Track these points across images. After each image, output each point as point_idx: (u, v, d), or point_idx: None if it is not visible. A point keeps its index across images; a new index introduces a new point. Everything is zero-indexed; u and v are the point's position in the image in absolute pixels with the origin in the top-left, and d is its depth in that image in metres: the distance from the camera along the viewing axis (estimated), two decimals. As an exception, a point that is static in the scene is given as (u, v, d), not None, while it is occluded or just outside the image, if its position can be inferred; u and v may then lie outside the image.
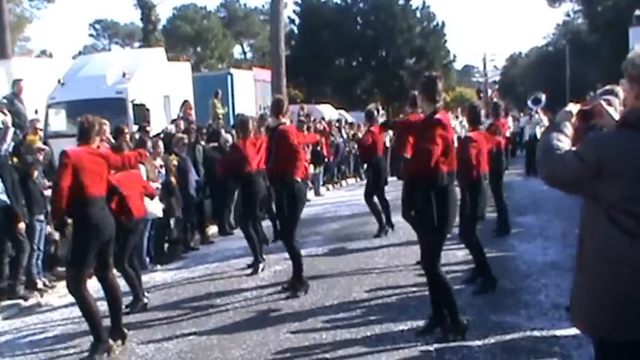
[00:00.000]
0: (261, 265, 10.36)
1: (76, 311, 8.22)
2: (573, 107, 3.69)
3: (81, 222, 6.83)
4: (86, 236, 6.79)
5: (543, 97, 23.64)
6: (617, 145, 3.25)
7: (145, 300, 8.70)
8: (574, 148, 3.37)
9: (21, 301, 9.20)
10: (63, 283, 9.56)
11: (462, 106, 29.90)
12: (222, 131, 15.34)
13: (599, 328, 3.38)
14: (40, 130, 12.85)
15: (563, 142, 3.42)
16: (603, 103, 3.66)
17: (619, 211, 3.21)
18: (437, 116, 6.62)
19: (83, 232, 6.80)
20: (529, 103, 23.88)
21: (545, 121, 23.73)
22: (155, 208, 10.74)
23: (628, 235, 3.20)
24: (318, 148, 19.42)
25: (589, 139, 3.39)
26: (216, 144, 14.33)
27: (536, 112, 23.18)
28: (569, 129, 3.52)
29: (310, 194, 20.20)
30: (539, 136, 22.80)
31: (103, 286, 7.26)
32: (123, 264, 8.35)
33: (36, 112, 17.38)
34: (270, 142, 9.06)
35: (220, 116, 20.76)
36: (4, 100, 14.80)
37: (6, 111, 14.22)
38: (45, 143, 11.99)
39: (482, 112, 9.26)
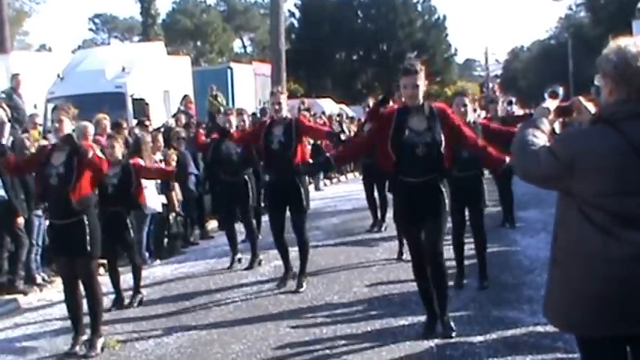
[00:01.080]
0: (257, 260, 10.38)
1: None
2: (551, 103, 3.66)
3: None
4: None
5: (561, 90, 23.56)
6: (589, 140, 3.23)
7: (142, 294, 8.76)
8: (548, 144, 3.34)
9: (20, 296, 9.16)
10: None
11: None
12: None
13: (573, 324, 3.37)
14: (40, 124, 12.79)
15: (539, 139, 3.40)
16: (582, 99, 3.62)
17: (592, 207, 3.19)
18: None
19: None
20: (545, 95, 23.81)
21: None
22: (154, 202, 10.70)
23: (601, 231, 3.17)
24: (319, 142, 19.34)
25: (561, 135, 3.42)
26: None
27: None
28: (545, 125, 3.50)
29: (310, 189, 20.18)
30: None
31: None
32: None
33: (35, 106, 17.34)
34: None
35: (220, 108, 20.71)
36: (3, 95, 14.80)
37: (4, 105, 14.19)
38: (44, 138, 11.93)
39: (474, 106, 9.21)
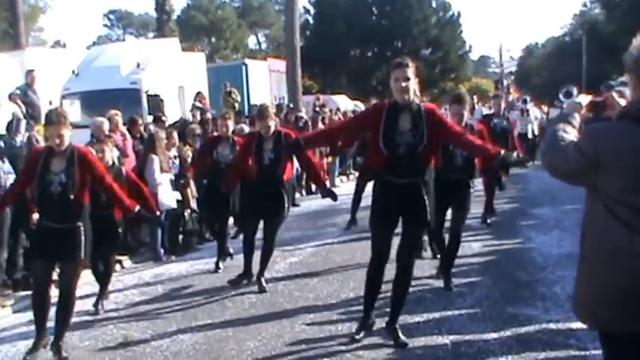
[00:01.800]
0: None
1: (89, 303, 8.28)
2: (583, 98, 3.65)
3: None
4: None
5: (575, 90, 23.52)
6: (613, 137, 3.23)
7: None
8: (575, 140, 3.34)
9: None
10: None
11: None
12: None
13: (599, 320, 3.36)
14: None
15: (569, 134, 3.40)
16: (615, 95, 3.61)
17: (617, 202, 3.20)
18: None
19: None
20: (560, 96, 23.77)
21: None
22: (168, 198, 10.75)
23: (627, 227, 3.19)
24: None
25: (587, 130, 3.39)
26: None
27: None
28: (577, 120, 3.49)
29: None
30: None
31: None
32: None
33: (50, 102, 17.42)
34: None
35: (236, 104, 20.77)
36: (18, 91, 14.86)
37: (19, 102, 14.29)
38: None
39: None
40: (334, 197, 8.21)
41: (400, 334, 6.52)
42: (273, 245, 9.08)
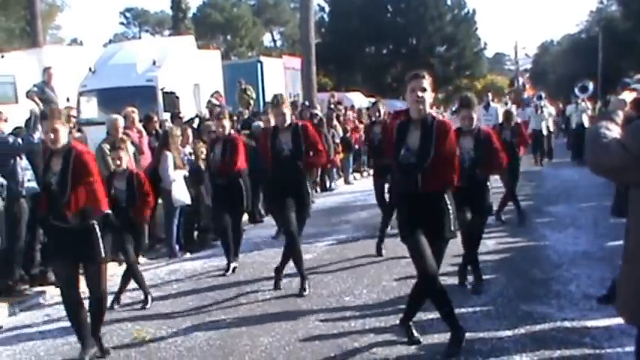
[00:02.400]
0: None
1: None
2: (628, 96, 3.63)
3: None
4: None
5: (591, 85, 23.47)
6: None
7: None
8: (619, 136, 3.33)
9: (51, 288, 9.28)
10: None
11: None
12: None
13: (638, 316, 3.36)
14: (74, 117, 12.89)
15: (612, 131, 3.38)
16: None
17: None
18: None
19: None
20: (576, 90, 23.73)
21: (590, 111, 23.60)
22: (182, 195, 10.80)
23: None
24: (348, 135, 19.38)
25: (631, 127, 3.35)
26: (247, 131, 14.31)
27: (583, 100, 23.06)
28: (620, 118, 3.48)
29: (340, 182, 20.23)
30: (586, 124, 22.73)
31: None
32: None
33: (68, 99, 17.53)
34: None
35: (251, 102, 20.79)
36: (35, 89, 14.94)
37: (37, 99, 14.38)
38: (79, 130, 12.08)
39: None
40: None
41: (414, 332, 6.51)
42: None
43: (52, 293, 9.13)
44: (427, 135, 6.01)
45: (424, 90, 6.00)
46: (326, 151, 10.30)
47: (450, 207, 6.13)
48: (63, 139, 6.34)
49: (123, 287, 8.59)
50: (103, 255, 6.41)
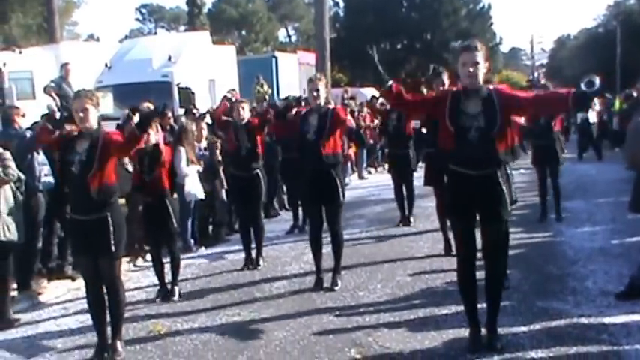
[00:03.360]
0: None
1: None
2: None
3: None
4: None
5: (597, 80, 23.27)
6: None
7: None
8: None
9: (68, 281, 9.33)
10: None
11: None
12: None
13: None
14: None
15: None
16: None
17: None
18: None
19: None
20: (582, 86, 23.53)
21: (597, 106, 23.43)
22: (195, 189, 10.82)
23: None
24: (361, 130, 19.35)
25: None
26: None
27: None
28: None
29: (354, 177, 20.22)
30: (591, 120, 22.58)
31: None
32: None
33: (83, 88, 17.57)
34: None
35: (266, 97, 20.80)
36: (52, 84, 15.03)
37: (54, 94, 14.46)
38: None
39: None
40: None
41: (498, 344, 6.05)
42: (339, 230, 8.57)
43: (70, 287, 9.20)
44: (489, 102, 5.68)
45: (476, 64, 5.70)
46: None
47: (504, 186, 5.79)
48: (93, 121, 6.29)
49: (175, 278, 8.74)
50: (114, 250, 6.31)
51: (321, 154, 8.10)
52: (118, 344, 6.53)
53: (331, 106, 8.83)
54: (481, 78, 5.76)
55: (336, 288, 8.33)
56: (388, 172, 12.49)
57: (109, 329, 6.60)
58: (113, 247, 6.29)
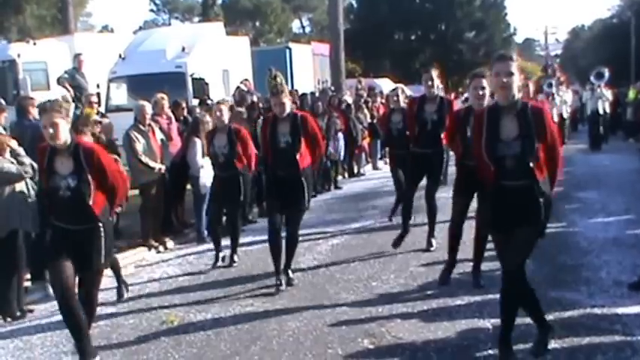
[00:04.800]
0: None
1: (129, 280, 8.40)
2: None
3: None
4: None
5: (606, 72, 23.23)
6: None
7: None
8: None
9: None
10: (125, 254, 9.75)
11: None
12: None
13: None
14: (96, 103, 12.94)
15: None
16: None
17: None
18: None
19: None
20: (592, 78, 23.49)
21: (609, 96, 23.34)
22: (209, 181, 10.84)
23: None
24: (375, 121, 19.34)
25: None
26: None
27: (599, 87, 22.80)
28: None
29: (368, 167, 20.22)
30: (601, 111, 22.53)
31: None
32: None
33: (98, 86, 17.66)
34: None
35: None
36: (66, 75, 15.08)
37: (67, 86, 14.51)
38: (104, 116, 12.17)
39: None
40: None
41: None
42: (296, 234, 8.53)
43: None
44: (524, 122, 5.32)
45: (511, 74, 5.29)
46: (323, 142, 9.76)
47: (541, 200, 5.43)
48: (64, 136, 5.76)
49: (234, 247, 9.66)
50: (103, 261, 5.90)
51: (297, 163, 8.11)
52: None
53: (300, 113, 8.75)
54: (515, 91, 5.37)
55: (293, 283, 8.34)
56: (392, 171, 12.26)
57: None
58: (102, 259, 5.86)
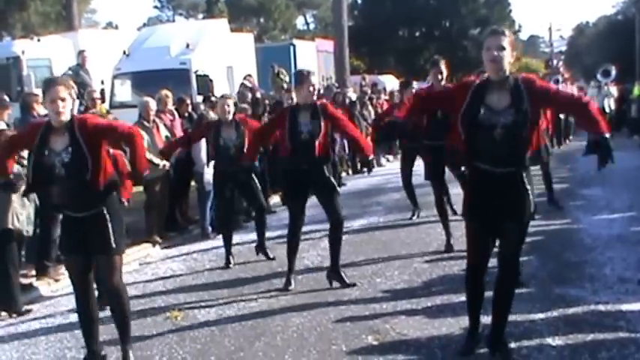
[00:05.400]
0: None
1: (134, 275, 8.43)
2: None
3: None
4: None
5: (613, 69, 23.17)
6: None
7: None
8: None
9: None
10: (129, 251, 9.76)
11: None
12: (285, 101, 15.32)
13: None
14: (99, 99, 12.91)
15: None
16: None
17: None
18: None
19: None
20: (598, 75, 23.43)
21: (615, 93, 23.29)
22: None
23: None
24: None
25: None
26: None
27: (606, 85, 22.75)
28: None
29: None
30: (607, 109, 22.44)
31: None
32: None
33: (102, 82, 17.70)
34: None
35: (284, 85, 20.80)
36: (70, 72, 15.10)
37: (72, 82, 14.51)
38: (107, 112, 12.19)
39: None
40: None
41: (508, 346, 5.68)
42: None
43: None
44: (516, 95, 5.15)
45: (502, 48, 5.15)
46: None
47: (529, 185, 5.31)
48: (67, 113, 5.51)
49: (262, 236, 9.64)
50: (114, 246, 5.64)
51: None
52: (130, 354, 5.95)
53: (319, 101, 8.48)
54: (507, 66, 5.21)
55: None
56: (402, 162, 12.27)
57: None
58: (113, 243, 5.62)
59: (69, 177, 5.45)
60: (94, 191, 5.53)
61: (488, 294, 5.76)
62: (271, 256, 9.50)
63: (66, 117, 5.47)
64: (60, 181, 5.50)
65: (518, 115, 5.11)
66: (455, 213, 10.24)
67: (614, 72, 22.92)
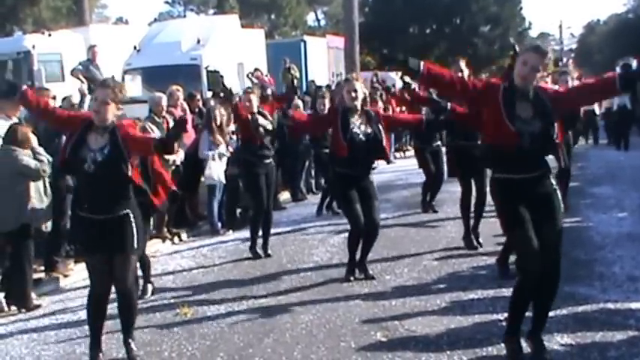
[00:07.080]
0: None
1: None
2: None
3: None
4: None
5: (634, 62, 22.78)
6: None
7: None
8: None
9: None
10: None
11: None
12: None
13: None
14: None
15: None
16: None
17: None
18: None
19: None
20: (617, 68, 23.09)
21: None
22: (215, 173, 10.90)
23: None
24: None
25: None
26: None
27: None
28: None
29: (381, 161, 20.13)
30: (629, 106, 22.14)
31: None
32: None
33: (112, 77, 17.70)
34: None
35: (295, 81, 20.82)
36: (80, 67, 15.11)
37: (81, 77, 14.55)
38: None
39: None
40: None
41: (545, 348, 5.64)
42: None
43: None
44: (540, 105, 5.33)
45: (537, 70, 5.34)
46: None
47: (556, 186, 5.53)
48: (110, 117, 5.72)
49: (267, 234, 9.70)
50: (136, 247, 5.83)
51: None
52: (132, 345, 6.10)
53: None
54: (534, 82, 5.42)
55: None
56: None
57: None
58: (135, 244, 5.80)
59: (97, 175, 5.61)
60: (122, 193, 5.74)
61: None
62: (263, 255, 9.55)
63: (109, 119, 5.68)
64: (85, 176, 5.69)
65: (544, 122, 5.30)
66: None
67: (635, 65, 22.54)
